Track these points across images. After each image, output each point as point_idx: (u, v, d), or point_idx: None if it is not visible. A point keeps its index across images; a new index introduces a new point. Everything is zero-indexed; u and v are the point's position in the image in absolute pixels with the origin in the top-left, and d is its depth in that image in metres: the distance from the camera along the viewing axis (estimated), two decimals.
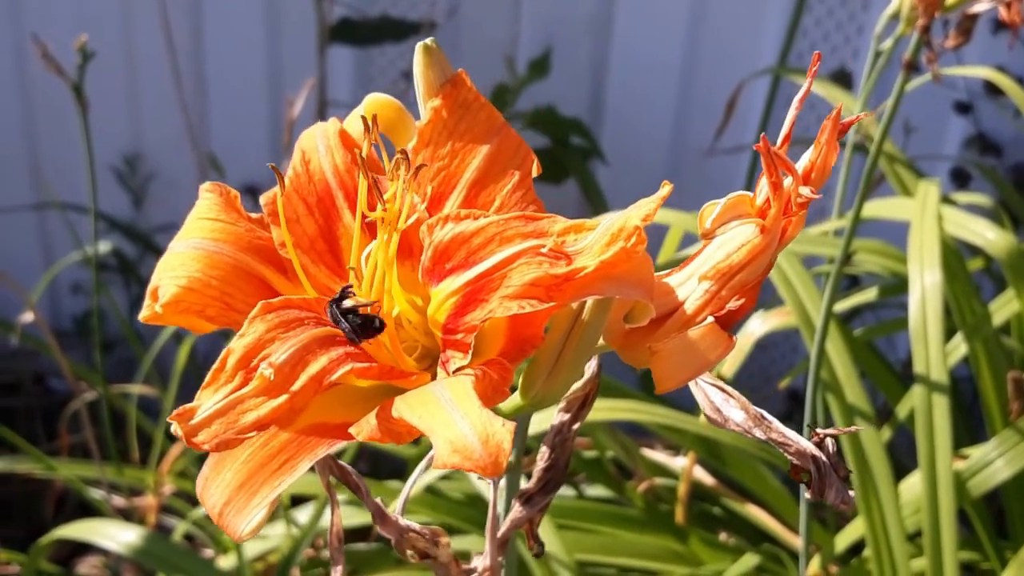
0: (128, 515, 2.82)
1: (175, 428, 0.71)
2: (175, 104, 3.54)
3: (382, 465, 3.08)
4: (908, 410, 2.19)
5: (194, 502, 2.79)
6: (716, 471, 2.42)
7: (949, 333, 2.19)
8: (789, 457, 0.82)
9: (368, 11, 3.48)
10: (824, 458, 0.81)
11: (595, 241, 0.72)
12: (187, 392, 3.38)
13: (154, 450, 2.78)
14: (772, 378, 3.44)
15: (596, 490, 2.47)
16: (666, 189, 0.74)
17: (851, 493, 0.79)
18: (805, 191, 0.76)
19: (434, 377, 0.78)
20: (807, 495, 0.81)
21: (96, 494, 2.81)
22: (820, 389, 2.07)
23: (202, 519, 2.64)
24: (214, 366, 0.73)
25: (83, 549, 3.13)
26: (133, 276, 3.89)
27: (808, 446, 0.82)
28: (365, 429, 0.72)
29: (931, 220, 2.14)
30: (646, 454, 2.47)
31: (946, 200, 2.43)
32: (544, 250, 0.73)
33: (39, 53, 2.25)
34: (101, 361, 2.61)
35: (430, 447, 0.74)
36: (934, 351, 1.99)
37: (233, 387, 0.71)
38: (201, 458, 2.44)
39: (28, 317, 2.85)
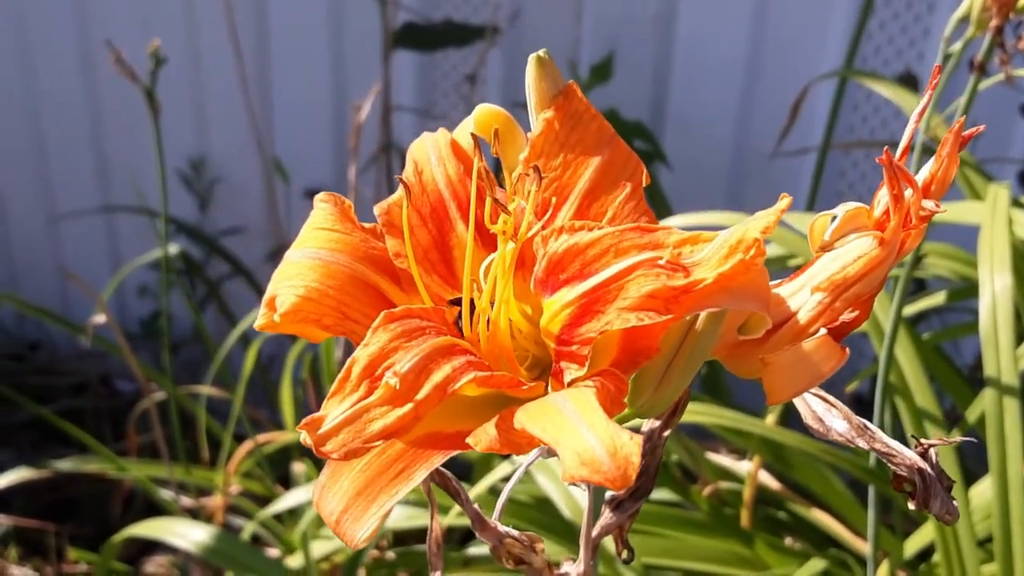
0: (195, 515, 2.85)
1: (304, 437, 0.72)
2: (240, 109, 3.58)
3: (446, 467, 3.09)
4: (977, 414, 2.17)
5: (261, 502, 2.82)
6: (781, 475, 2.41)
7: (1020, 337, 2.16)
8: (893, 467, 0.81)
9: (431, 16, 3.50)
10: (929, 469, 0.80)
11: (712, 253, 0.72)
12: (253, 393, 3.42)
13: (222, 451, 2.81)
14: (836, 383, 3.41)
15: (661, 493, 2.46)
16: (785, 202, 0.74)
17: (955, 503, 0.78)
18: (929, 204, 0.75)
19: (546, 387, 0.78)
20: (911, 505, 0.80)
21: (165, 494, 2.84)
22: (888, 393, 2.06)
23: (268, 519, 2.66)
24: (339, 375, 0.74)
25: (150, 548, 3.17)
26: (199, 278, 3.93)
27: (914, 457, 0.81)
28: (484, 439, 0.73)
29: (1001, 223, 2.11)
30: (711, 458, 2.46)
31: (1016, 203, 2.40)
32: (661, 262, 0.73)
33: (112, 59, 2.29)
34: (170, 362, 2.64)
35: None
36: (1005, 355, 1.97)
37: (359, 396, 0.73)
38: (270, 459, 2.47)
39: (100, 319, 2.89)
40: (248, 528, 2.64)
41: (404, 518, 2.26)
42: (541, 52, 0.90)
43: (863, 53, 3.32)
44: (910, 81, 3.02)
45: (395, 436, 0.73)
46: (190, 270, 3.91)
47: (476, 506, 0.90)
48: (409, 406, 0.71)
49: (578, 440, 0.67)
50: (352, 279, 0.86)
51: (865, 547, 2.19)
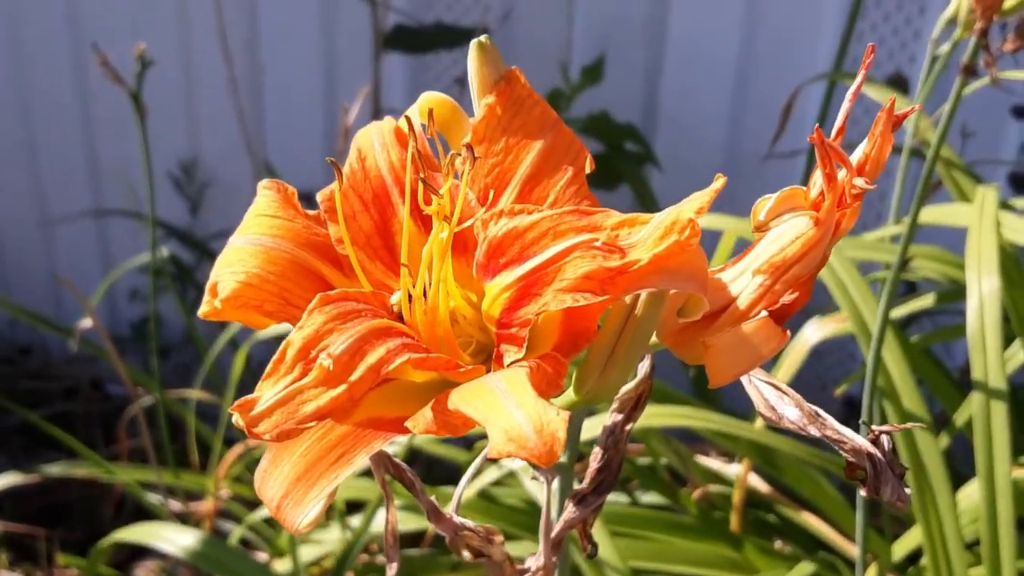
0: (185, 519, 2.85)
1: (236, 418, 0.72)
2: (231, 111, 3.58)
3: (436, 471, 3.09)
4: (966, 417, 2.17)
5: (250, 506, 2.81)
6: (771, 478, 2.41)
7: (1008, 340, 2.16)
8: (844, 454, 0.81)
9: (422, 18, 3.50)
10: (879, 455, 0.81)
11: (649, 234, 0.73)
12: (241, 397, 3.42)
13: (212, 455, 2.81)
14: (828, 385, 3.41)
15: (650, 497, 2.46)
16: (719, 182, 0.74)
17: (907, 490, 0.78)
18: (859, 182, 0.76)
19: (488, 371, 0.78)
20: (863, 492, 0.80)
21: (153, 498, 2.84)
22: (877, 396, 2.05)
23: (258, 523, 2.66)
24: (274, 357, 0.74)
25: (140, 553, 3.16)
26: (190, 282, 3.93)
27: (863, 443, 0.81)
28: (421, 422, 0.72)
29: (989, 226, 2.11)
30: (700, 461, 2.46)
31: (1004, 206, 2.40)
32: (598, 244, 0.73)
33: (98, 62, 2.28)
34: (158, 367, 2.63)
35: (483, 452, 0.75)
36: (992, 358, 1.96)
37: (293, 378, 0.73)
38: (259, 463, 2.45)
39: (87, 323, 2.88)
40: (236, 532, 2.63)
41: (400, 522, 2.26)
42: (482, 38, 0.91)
43: (855, 55, 3.32)
44: (900, 83, 3.02)
45: (329, 417, 0.73)
46: (181, 274, 3.91)
47: (432, 498, 0.89)
48: (343, 387, 0.71)
49: (506, 417, 0.67)
50: (294, 265, 0.86)
51: (854, 550, 2.19)
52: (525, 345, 0.76)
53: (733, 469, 2.41)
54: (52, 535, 3.21)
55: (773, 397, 0.85)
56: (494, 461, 2.40)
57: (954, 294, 2.40)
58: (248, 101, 3.81)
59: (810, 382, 3.54)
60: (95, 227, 4.30)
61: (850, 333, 2.15)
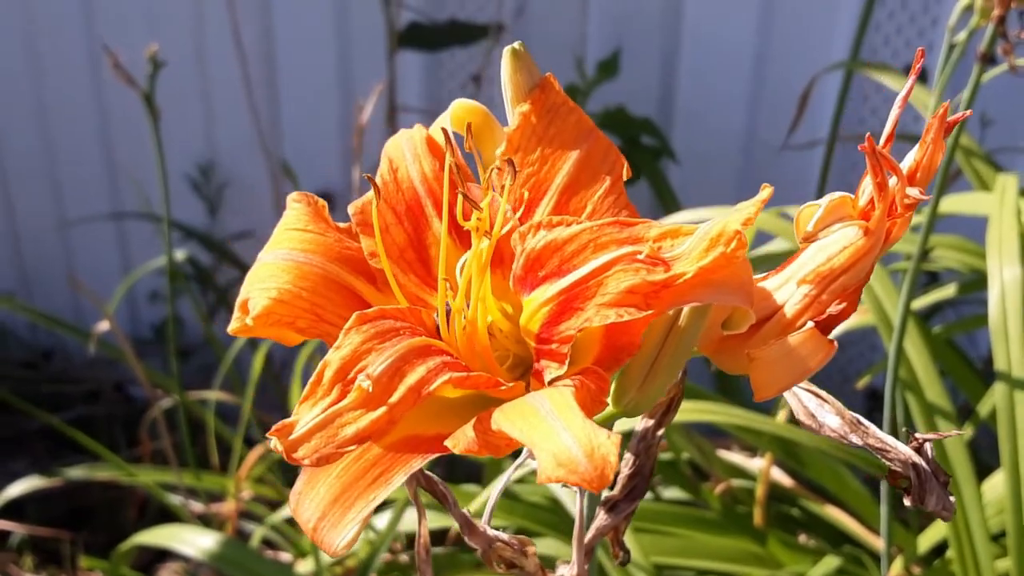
0: (207, 521, 2.85)
1: (274, 444, 0.71)
2: (247, 112, 3.58)
3: (458, 469, 3.09)
4: (989, 408, 2.15)
5: (272, 507, 2.81)
6: (794, 472, 2.39)
7: None
8: (887, 463, 0.79)
9: (436, 15, 3.49)
10: (924, 464, 0.79)
11: (693, 247, 0.71)
12: (263, 398, 3.42)
13: (233, 456, 2.81)
14: (851, 377, 3.39)
15: (672, 492, 2.45)
16: (767, 192, 0.73)
17: (952, 499, 0.77)
18: (913, 192, 0.74)
19: (527, 386, 0.77)
20: (907, 501, 0.78)
21: (175, 500, 2.84)
22: (899, 388, 2.04)
23: (280, 523, 2.66)
24: (311, 379, 0.72)
25: (164, 555, 3.17)
26: (209, 284, 3.93)
27: (908, 452, 0.79)
28: (462, 442, 0.71)
29: (1010, 214, 2.09)
30: (722, 456, 2.45)
31: None
32: (640, 257, 0.72)
33: (110, 63, 2.28)
34: (178, 368, 2.63)
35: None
36: (1015, 347, 1.95)
37: (331, 400, 0.71)
38: (280, 463, 2.46)
39: (104, 326, 2.89)
40: (258, 533, 2.63)
41: (414, 521, 2.25)
42: (516, 44, 0.88)
43: (873, 44, 3.30)
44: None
45: (369, 440, 0.71)
46: (200, 275, 3.91)
47: (465, 511, 0.88)
48: (383, 409, 0.70)
49: (554, 440, 0.65)
50: (326, 280, 0.84)
51: (879, 543, 2.17)
52: (567, 361, 0.74)
53: (756, 463, 2.39)
54: (76, 538, 3.21)
55: (813, 405, 0.83)
56: (516, 456, 2.39)
57: (976, 283, 2.38)
58: (263, 100, 3.81)
59: (832, 374, 3.52)
60: (114, 230, 4.31)
61: (872, 324, 2.14)
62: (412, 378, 0.71)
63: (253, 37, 3.73)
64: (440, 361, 0.73)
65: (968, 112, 0.78)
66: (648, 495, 2.47)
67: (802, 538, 2.38)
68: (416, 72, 3.69)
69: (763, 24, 3.37)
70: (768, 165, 3.46)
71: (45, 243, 4.45)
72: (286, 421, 0.71)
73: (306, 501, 0.76)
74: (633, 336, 0.75)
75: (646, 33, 3.50)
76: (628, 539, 2.02)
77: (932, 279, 2.87)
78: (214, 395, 2.98)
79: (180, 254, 3.57)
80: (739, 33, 3.40)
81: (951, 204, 2.32)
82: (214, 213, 4.08)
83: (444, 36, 3.32)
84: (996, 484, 2.09)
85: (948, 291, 2.42)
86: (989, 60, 1.71)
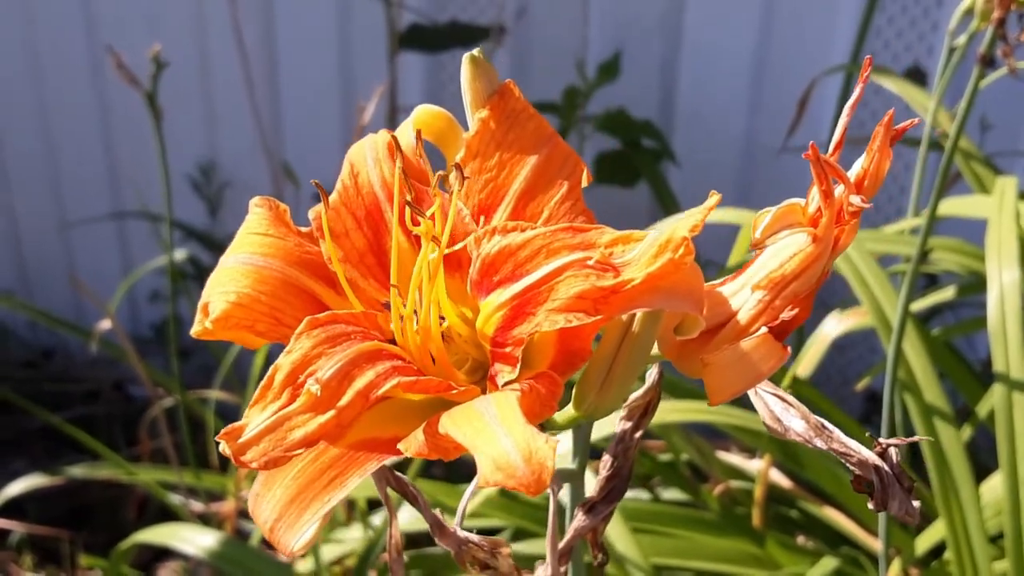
0: (207, 520, 2.85)
1: (223, 447, 0.71)
2: (249, 113, 3.59)
3: (458, 469, 3.09)
4: (988, 410, 2.16)
5: None
6: (793, 473, 2.40)
7: None
8: (851, 468, 0.80)
9: (437, 17, 3.50)
10: (887, 468, 0.79)
11: (642, 253, 0.71)
12: None
13: None
14: (850, 379, 3.40)
15: (671, 493, 2.45)
16: (714, 199, 0.73)
17: (915, 504, 0.77)
18: (856, 200, 0.74)
19: (484, 390, 0.77)
20: (870, 506, 0.79)
21: (175, 499, 2.84)
22: (898, 389, 2.04)
23: None
24: (262, 383, 0.73)
25: (164, 554, 3.17)
26: None
27: (870, 456, 0.80)
28: (413, 445, 0.72)
29: (1009, 217, 2.10)
30: (721, 457, 2.45)
31: None
32: (591, 262, 0.72)
33: (113, 64, 2.29)
34: (178, 368, 2.64)
35: None
36: (1014, 349, 1.95)
37: (280, 404, 0.71)
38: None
39: (106, 325, 2.90)
40: (258, 532, 2.64)
41: (416, 520, 2.25)
42: (475, 51, 0.89)
43: (873, 48, 3.30)
44: (918, 76, 3.01)
45: (318, 444, 0.72)
46: (200, 275, 3.92)
47: (437, 511, 0.89)
48: (331, 413, 0.70)
49: (494, 445, 0.66)
50: (285, 284, 0.85)
51: (877, 545, 2.18)
52: (519, 365, 0.74)
53: (754, 464, 2.40)
54: (76, 537, 3.22)
55: (778, 408, 0.84)
56: None
57: (975, 286, 2.39)
58: (265, 101, 3.82)
59: (832, 376, 3.53)
60: (115, 229, 4.31)
61: (871, 327, 2.14)
62: (360, 382, 0.72)
63: (255, 38, 3.74)
64: (390, 366, 0.74)
65: (914, 121, 0.79)
66: (647, 496, 2.48)
67: (800, 539, 2.39)
68: (417, 73, 3.70)
69: (763, 28, 3.38)
70: (768, 168, 3.47)
71: (46, 243, 4.45)
72: (235, 424, 0.72)
73: (263, 503, 0.77)
74: (584, 341, 0.76)
75: (647, 36, 3.50)
76: (627, 539, 2.03)
77: (931, 281, 2.87)
78: (214, 394, 2.99)
79: (181, 254, 3.58)
80: (739, 36, 3.41)
81: (950, 207, 2.33)
82: (215, 213, 4.08)
83: (445, 38, 3.32)
84: (994, 486, 2.10)
85: (947, 293, 2.43)
86: (989, 63, 1.71)
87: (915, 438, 0.83)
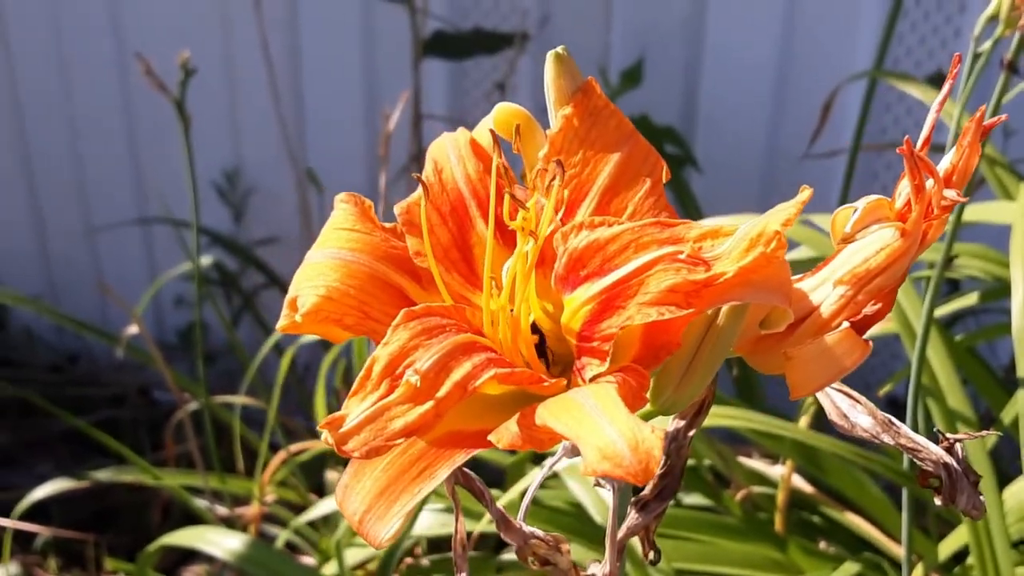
0: (231, 524, 2.87)
1: (325, 436, 0.72)
2: (273, 119, 3.61)
3: (480, 474, 3.10)
4: (1012, 416, 2.16)
5: (296, 510, 2.83)
6: (814, 479, 2.40)
7: None
8: (919, 463, 0.80)
9: (461, 24, 3.51)
10: (955, 464, 0.80)
11: (733, 247, 0.73)
12: (287, 402, 3.43)
13: (258, 460, 2.83)
14: (872, 385, 3.39)
15: (693, 498, 2.45)
16: (806, 193, 0.74)
17: (981, 499, 0.78)
18: (951, 193, 0.75)
19: (568, 384, 0.78)
20: (937, 501, 0.80)
21: (200, 503, 2.86)
22: (921, 396, 2.04)
23: (303, 527, 2.68)
24: (360, 374, 0.74)
25: (188, 558, 3.19)
26: (234, 289, 3.95)
27: (939, 452, 0.81)
28: (506, 437, 0.73)
29: None
30: (743, 462, 2.46)
31: None
32: (681, 256, 0.73)
33: (142, 70, 2.31)
34: (204, 373, 2.66)
35: (527, 457, 0.74)
36: None
37: (380, 394, 0.73)
38: (304, 468, 2.47)
39: (133, 330, 2.92)
40: (282, 536, 2.65)
41: (438, 524, 2.27)
42: (559, 49, 0.91)
43: (895, 55, 3.30)
44: (942, 82, 3.00)
45: (416, 434, 0.73)
46: (225, 281, 3.94)
47: (502, 508, 0.90)
48: (430, 404, 0.71)
49: (599, 435, 0.66)
50: (373, 278, 0.86)
51: (899, 550, 2.18)
52: (609, 358, 0.75)
53: (777, 470, 2.40)
54: (100, 540, 3.24)
55: (845, 405, 0.85)
56: (538, 462, 2.40)
57: (998, 292, 2.39)
58: (290, 108, 3.84)
59: (854, 382, 3.48)
60: (140, 235, 4.34)
61: (894, 332, 2.15)
62: (458, 373, 0.73)
63: (280, 46, 3.75)
64: (485, 357, 0.75)
65: (1004, 117, 0.80)
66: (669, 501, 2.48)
67: (822, 545, 2.39)
68: (441, 81, 3.71)
69: (785, 33, 3.38)
70: (790, 174, 3.47)
71: (72, 248, 4.48)
72: (336, 414, 0.73)
73: (352, 494, 0.78)
74: (673, 335, 0.76)
75: (669, 43, 3.51)
76: None
77: (953, 287, 2.87)
78: (240, 399, 3.00)
79: (206, 260, 3.60)
80: (761, 42, 3.41)
81: (974, 212, 2.33)
82: (239, 219, 4.10)
83: (469, 45, 3.34)
84: (1017, 491, 2.10)
85: (971, 299, 2.43)
86: (1014, 70, 1.72)
87: (983, 433, 0.84)
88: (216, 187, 4.06)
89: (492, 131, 0.88)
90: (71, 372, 4.48)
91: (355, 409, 0.73)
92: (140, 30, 3.98)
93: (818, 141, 2.81)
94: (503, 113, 0.92)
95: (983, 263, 2.38)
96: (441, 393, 0.72)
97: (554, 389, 0.76)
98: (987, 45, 1.82)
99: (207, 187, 4.02)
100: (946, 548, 2.15)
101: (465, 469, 0.90)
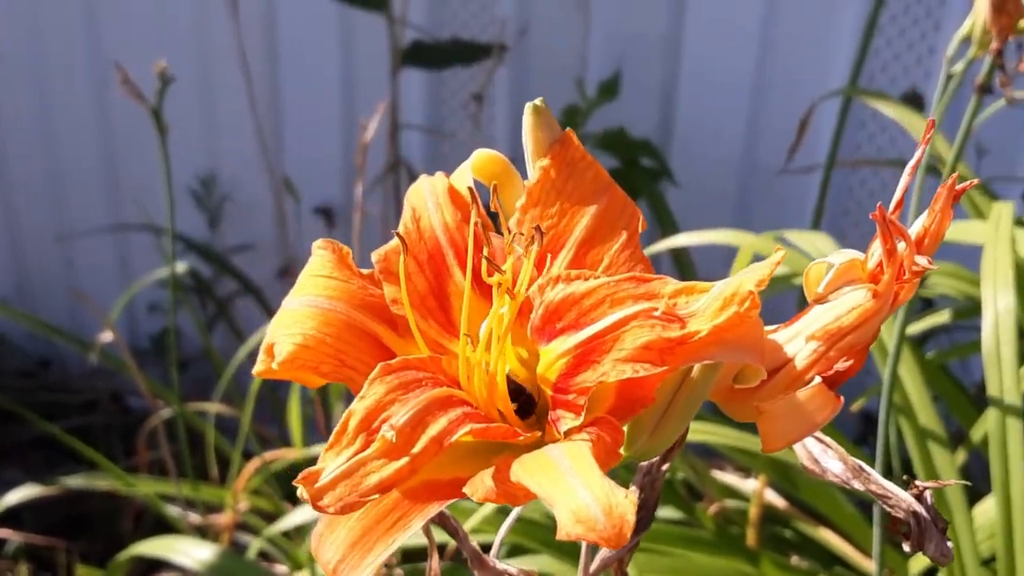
0: (204, 532, 2.86)
1: (301, 492, 0.73)
2: (250, 127, 3.60)
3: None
4: (982, 434, 2.17)
5: (269, 519, 2.83)
6: (787, 494, 2.41)
7: (1023, 357, 2.16)
8: (888, 509, 0.81)
9: (439, 34, 3.52)
10: (924, 512, 0.81)
11: (708, 305, 0.73)
12: (261, 410, 3.42)
13: (232, 468, 2.82)
14: (845, 400, 3.41)
15: (667, 512, 2.46)
16: (779, 255, 0.75)
17: (949, 545, 0.79)
18: (922, 261, 0.76)
19: (543, 433, 0.79)
20: (906, 547, 0.80)
21: (173, 511, 2.85)
22: (893, 412, 2.06)
23: (276, 536, 2.67)
24: (336, 428, 0.74)
25: (160, 566, 3.18)
26: (209, 296, 3.94)
27: (909, 499, 0.81)
28: (481, 490, 0.73)
29: (1005, 242, 2.11)
30: (716, 476, 2.47)
31: (1020, 222, 2.40)
32: (656, 313, 0.74)
33: (119, 79, 2.30)
34: (177, 380, 2.65)
35: None
36: (1007, 374, 1.97)
37: (355, 449, 0.73)
38: (278, 476, 2.46)
39: (107, 336, 2.91)
40: (255, 545, 2.65)
41: (413, 536, 2.26)
42: (537, 101, 0.91)
43: (871, 70, 3.32)
44: (915, 100, 3.03)
45: (391, 489, 0.73)
46: (200, 287, 3.93)
47: (475, 543, 0.90)
48: (405, 459, 0.72)
49: (573, 498, 0.67)
50: (349, 326, 0.86)
51: (871, 566, 2.19)
52: (583, 413, 0.76)
53: (750, 484, 2.41)
54: (72, 547, 3.22)
55: (817, 450, 0.86)
56: None
57: (970, 310, 2.41)
58: (266, 116, 3.83)
59: None
60: (114, 241, 4.32)
61: None
62: (434, 429, 0.73)
63: (257, 54, 3.75)
64: (461, 412, 0.75)
65: (975, 181, 0.81)
66: None
67: (794, 559, 2.40)
68: (418, 90, 3.72)
69: (762, 50, 3.40)
70: (766, 188, 3.49)
71: (45, 254, 4.46)
72: (311, 469, 0.73)
73: (326, 543, 0.78)
74: (647, 390, 0.77)
75: (646, 56, 3.52)
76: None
77: (927, 305, 2.89)
78: (214, 407, 3.00)
79: (181, 266, 3.59)
80: (738, 58, 3.43)
81: (947, 232, 2.35)
82: (214, 226, 4.09)
83: (447, 55, 3.34)
84: (987, 509, 2.11)
85: (942, 317, 2.44)
86: (986, 91, 1.73)
87: (949, 482, 0.85)
88: (192, 193, 4.05)
89: (469, 187, 0.89)
90: (43, 377, 4.45)
91: (331, 464, 0.73)
92: (117, 38, 3.96)
93: (794, 157, 2.83)
94: (481, 160, 0.93)
95: (955, 282, 2.40)
96: (417, 449, 0.72)
97: (529, 442, 0.77)
98: (960, 66, 1.83)
99: (182, 193, 4.00)
100: (917, 564, 2.17)
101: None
